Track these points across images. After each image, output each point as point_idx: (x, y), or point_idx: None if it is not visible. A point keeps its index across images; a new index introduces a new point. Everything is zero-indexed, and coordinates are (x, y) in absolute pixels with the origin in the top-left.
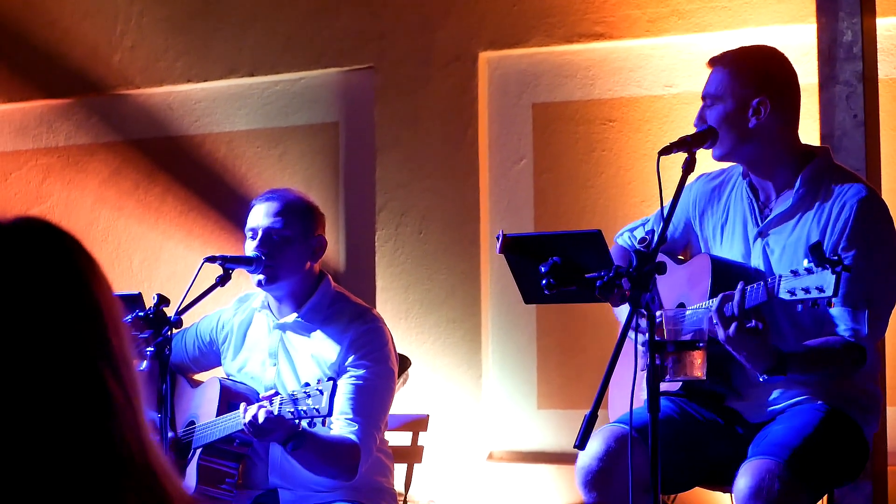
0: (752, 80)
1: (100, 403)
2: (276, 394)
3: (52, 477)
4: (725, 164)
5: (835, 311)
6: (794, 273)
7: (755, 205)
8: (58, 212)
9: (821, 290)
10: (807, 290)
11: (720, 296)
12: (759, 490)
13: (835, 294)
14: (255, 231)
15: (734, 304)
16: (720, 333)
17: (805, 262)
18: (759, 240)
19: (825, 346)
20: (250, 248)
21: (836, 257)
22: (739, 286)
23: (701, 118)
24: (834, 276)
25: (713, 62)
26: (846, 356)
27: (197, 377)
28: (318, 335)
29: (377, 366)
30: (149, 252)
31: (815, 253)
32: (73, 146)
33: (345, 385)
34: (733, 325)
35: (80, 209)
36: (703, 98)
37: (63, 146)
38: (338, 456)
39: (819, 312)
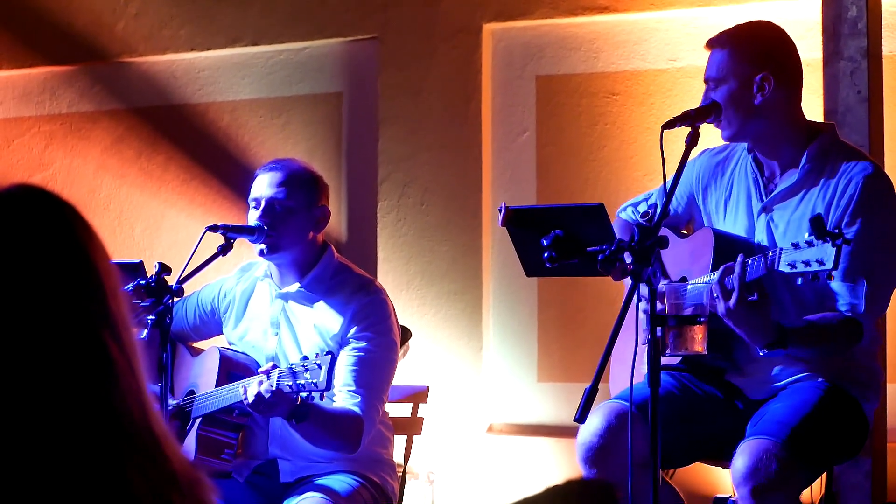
0: (752, 56)
1: (101, 368)
2: (275, 367)
3: (54, 441)
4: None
5: (835, 285)
6: (795, 246)
7: (760, 180)
8: (60, 179)
9: (821, 262)
10: (807, 263)
11: (721, 268)
12: (756, 470)
13: (835, 267)
14: (258, 201)
15: (734, 276)
16: (720, 306)
17: (806, 235)
18: (764, 215)
19: (824, 321)
20: (253, 217)
21: (836, 230)
22: (740, 258)
23: (708, 100)
24: (834, 249)
25: (711, 44)
26: (843, 331)
27: (197, 346)
28: (321, 305)
29: (380, 338)
30: (151, 221)
31: (816, 226)
32: (76, 113)
33: (347, 356)
34: (734, 298)
35: (82, 177)
36: (706, 81)
37: (66, 113)
38: (341, 428)
39: (819, 287)
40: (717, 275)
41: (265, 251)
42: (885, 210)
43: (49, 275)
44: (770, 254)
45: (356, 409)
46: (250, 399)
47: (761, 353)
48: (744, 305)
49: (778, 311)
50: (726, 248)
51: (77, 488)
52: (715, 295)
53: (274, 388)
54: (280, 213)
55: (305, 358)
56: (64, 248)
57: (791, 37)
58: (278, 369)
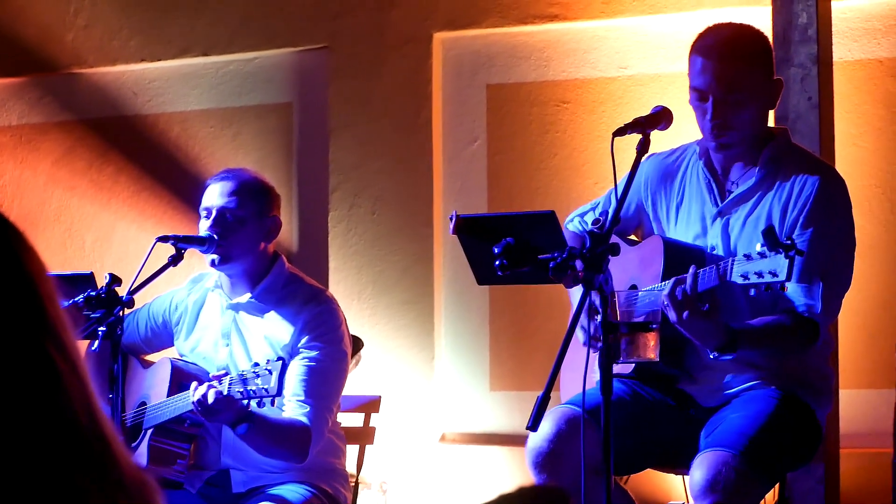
0: (767, 68)
1: (46, 378)
2: (226, 374)
3: (1, 450)
4: (675, 143)
5: (789, 286)
6: (748, 257)
7: (713, 185)
8: (10, 191)
9: (774, 274)
10: (760, 275)
11: (672, 280)
12: (715, 482)
13: (788, 279)
14: (209, 210)
15: (687, 287)
16: (672, 316)
17: (758, 246)
18: (719, 219)
19: (777, 322)
20: (204, 227)
21: (788, 241)
22: (691, 270)
23: (722, 117)
24: (787, 261)
25: (721, 56)
26: (798, 332)
27: (149, 358)
28: (272, 316)
29: (330, 347)
30: (101, 232)
31: (769, 237)
32: (26, 125)
33: (297, 366)
34: (686, 311)
35: (32, 189)
36: (718, 96)
37: (15, 125)
38: (288, 438)
39: (781, 293)
40: (668, 286)
41: (216, 262)
42: (840, 212)
43: None
44: (721, 264)
45: (304, 419)
46: (196, 398)
47: (712, 356)
48: (696, 316)
49: (733, 317)
50: (676, 256)
51: (25, 495)
52: (666, 303)
53: (225, 394)
54: (231, 222)
55: (256, 364)
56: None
57: None
58: (229, 376)
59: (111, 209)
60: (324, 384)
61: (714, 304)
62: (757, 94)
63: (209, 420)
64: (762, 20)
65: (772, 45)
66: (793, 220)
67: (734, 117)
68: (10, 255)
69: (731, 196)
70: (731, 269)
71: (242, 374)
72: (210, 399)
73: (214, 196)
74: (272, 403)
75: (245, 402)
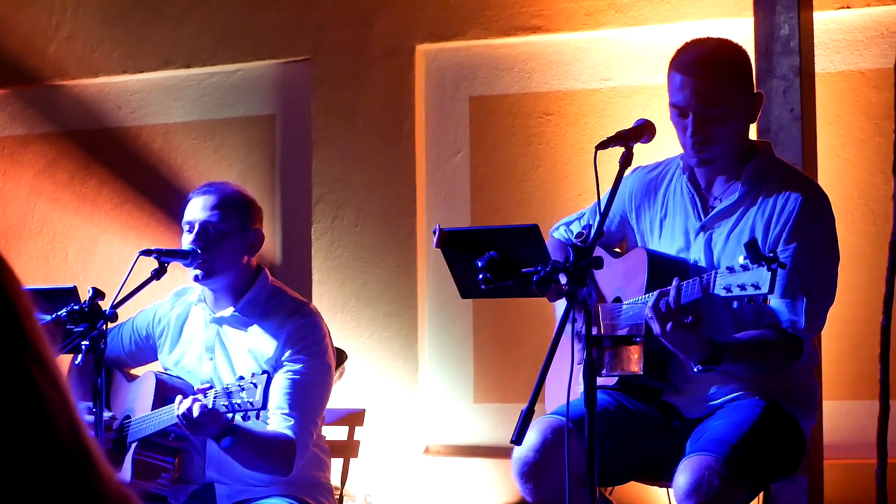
0: (749, 86)
1: (27, 394)
2: (211, 387)
3: None
4: (659, 157)
5: (774, 302)
6: (730, 269)
7: (697, 199)
8: None
9: (756, 286)
10: (742, 287)
11: (656, 293)
12: (698, 486)
13: (770, 291)
14: (191, 224)
15: (670, 300)
16: (655, 328)
17: (741, 259)
18: (702, 234)
19: (761, 337)
20: (187, 241)
21: (771, 254)
22: (675, 283)
23: (703, 133)
24: (769, 274)
25: (701, 72)
26: (782, 348)
27: (134, 371)
28: (255, 329)
29: (314, 360)
30: (84, 245)
31: (751, 250)
32: (8, 137)
33: (281, 379)
34: (669, 323)
35: (14, 201)
36: (697, 112)
37: None
38: (272, 451)
39: (763, 306)
40: (651, 299)
41: (200, 277)
42: (823, 227)
43: None
44: (704, 277)
45: (289, 433)
46: (181, 412)
47: (695, 370)
48: (679, 328)
49: (716, 330)
50: (660, 268)
51: None
52: (650, 315)
53: (210, 407)
54: (214, 236)
55: (241, 378)
56: None
57: None
58: (214, 389)
59: (94, 221)
60: (308, 397)
61: (697, 316)
62: (737, 108)
63: (194, 433)
64: (744, 32)
65: (752, 58)
66: (776, 235)
67: (714, 132)
68: None
69: (715, 211)
70: (715, 281)
71: (227, 388)
72: (195, 412)
73: (197, 210)
74: (257, 417)
75: (230, 415)
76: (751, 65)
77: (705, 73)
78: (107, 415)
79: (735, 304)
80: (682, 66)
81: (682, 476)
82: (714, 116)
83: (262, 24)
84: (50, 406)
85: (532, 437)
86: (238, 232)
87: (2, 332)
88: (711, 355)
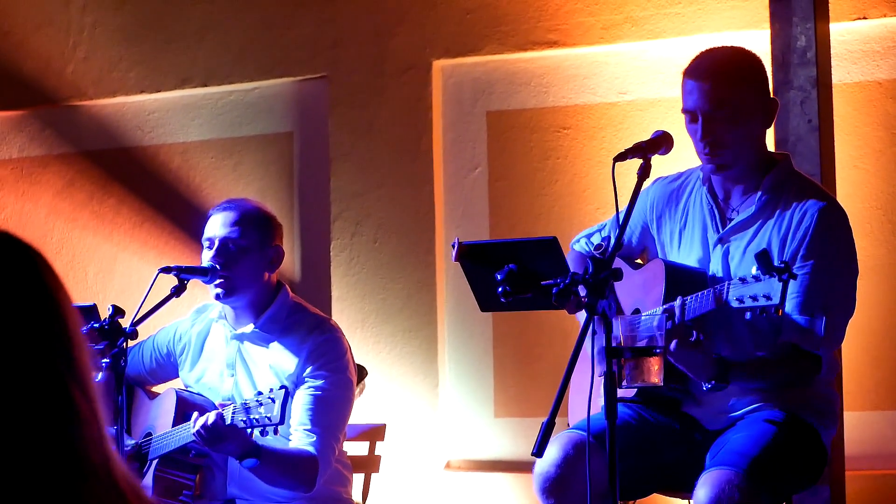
0: (757, 86)
1: (66, 415)
2: (230, 403)
3: (15, 487)
4: (677, 168)
5: (792, 318)
6: (743, 280)
7: (715, 211)
8: (11, 224)
9: (768, 297)
10: (755, 298)
11: (662, 313)
12: (718, 501)
13: (781, 302)
14: (211, 241)
15: (675, 319)
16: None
17: (753, 269)
18: (720, 246)
19: (774, 355)
20: (207, 257)
21: (782, 265)
22: (679, 301)
23: (711, 134)
24: (780, 284)
25: (707, 75)
26: (799, 365)
27: (155, 389)
28: (276, 346)
29: (335, 375)
30: (103, 264)
31: (762, 261)
32: (26, 158)
33: (303, 395)
34: (674, 341)
35: (33, 221)
36: (705, 114)
37: (16, 158)
38: (296, 469)
39: (776, 319)
40: (657, 320)
41: (221, 295)
42: (840, 243)
43: (16, 320)
44: (717, 288)
45: (311, 449)
46: (197, 427)
47: (704, 388)
48: (685, 347)
49: (733, 344)
50: (678, 279)
51: None
52: (660, 333)
53: (228, 423)
54: (234, 252)
55: (259, 393)
56: (32, 294)
57: None
58: (233, 405)
59: (113, 241)
60: (330, 413)
61: (704, 333)
62: (746, 111)
63: (213, 450)
64: (761, 44)
65: (767, 67)
66: (792, 251)
67: (724, 135)
68: (44, 291)
69: (732, 223)
70: (728, 292)
71: (245, 403)
72: (212, 428)
73: (217, 226)
74: (275, 432)
75: (248, 430)
76: (763, 70)
77: (712, 76)
78: (129, 442)
79: (748, 316)
80: (692, 71)
81: (703, 490)
82: (721, 118)
83: (278, 42)
84: (86, 430)
85: (553, 452)
86: (258, 248)
87: (50, 350)
88: (719, 373)
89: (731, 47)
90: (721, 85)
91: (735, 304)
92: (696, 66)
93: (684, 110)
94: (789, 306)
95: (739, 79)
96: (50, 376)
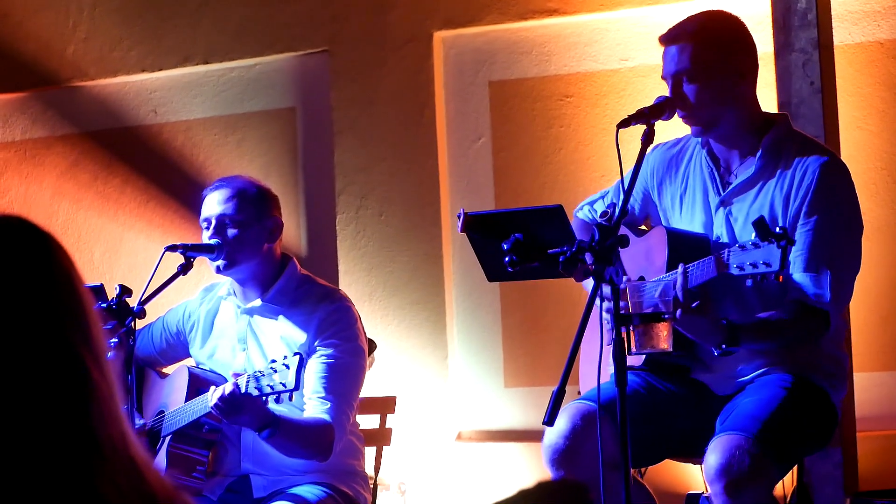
0: (722, 46)
1: (83, 390)
2: (243, 373)
3: (32, 461)
4: (681, 133)
5: (798, 276)
6: (742, 247)
7: (716, 174)
8: (16, 206)
9: (768, 264)
10: (754, 265)
11: (666, 282)
12: (729, 466)
13: (781, 269)
14: (208, 220)
15: (678, 287)
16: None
17: (752, 236)
18: (722, 209)
19: (782, 314)
20: (206, 238)
21: (781, 231)
22: (681, 268)
23: (680, 96)
24: (780, 251)
25: (673, 39)
26: (806, 323)
27: (166, 370)
28: (286, 317)
29: (347, 343)
30: (109, 244)
31: (760, 228)
32: (30, 140)
33: (316, 364)
34: (678, 310)
35: (38, 203)
36: (675, 75)
37: (19, 140)
38: (312, 437)
39: (776, 283)
40: (659, 289)
41: (222, 267)
42: (843, 198)
43: (33, 299)
44: (719, 255)
45: (326, 417)
46: (214, 400)
47: (716, 353)
48: (689, 313)
49: (742, 308)
50: (680, 246)
51: (48, 500)
52: (665, 301)
53: (243, 392)
54: (231, 227)
55: (273, 361)
56: (47, 274)
57: None
58: (247, 374)
59: (118, 220)
60: (343, 380)
61: (707, 299)
62: (707, 69)
63: (230, 421)
64: (762, 7)
65: (768, 30)
66: (796, 209)
67: (691, 95)
68: (59, 272)
69: (732, 185)
70: (729, 259)
71: (259, 372)
72: (229, 398)
73: (212, 205)
74: (290, 398)
75: (263, 398)
76: (733, 30)
77: (673, 40)
78: (138, 422)
79: (749, 283)
80: (661, 38)
81: (713, 456)
82: (686, 79)
83: (278, 17)
84: (103, 406)
85: (561, 423)
86: (255, 221)
87: (67, 328)
88: (728, 337)
89: (704, 12)
90: (681, 48)
91: (735, 271)
92: (664, 34)
93: (662, 78)
94: (794, 265)
95: (699, 39)
96: (67, 352)
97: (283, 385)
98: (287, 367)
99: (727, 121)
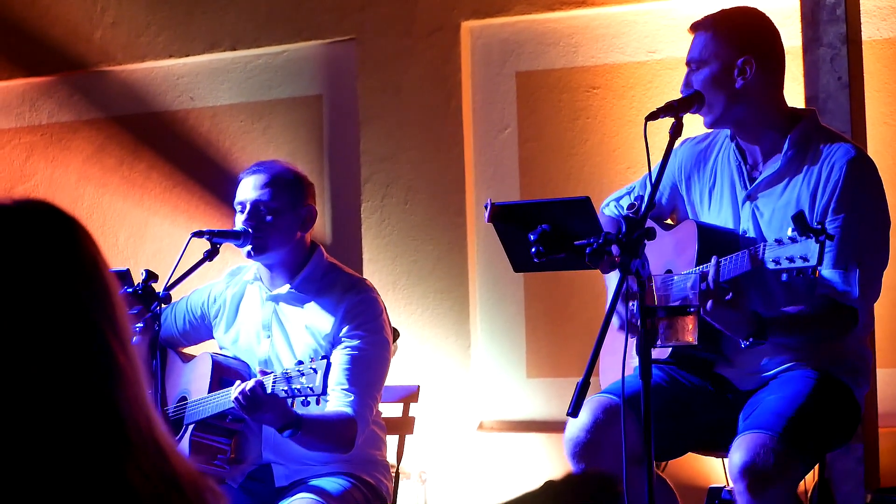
0: (735, 40)
1: (110, 374)
2: (271, 372)
3: (58, 445)
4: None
5: (827, 272)
6: (779, 242)
7: (743, 168)
8: (42, 190)
9: (805, 259)
10: (791, 260)
11: (697, 273)
12: (753, 464)
13: (819, 263)
14: (243, 204)
15: (710, 280)
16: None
17: (789, 231)
18: (748, 203)
19: (812, 309)
20: (240, 221)
21: (819, 226)
22: (713, 261)
23: (687, 84)
24: (818, 246)
25: (695, 27)
26: (834, 319)
27: (187, 351)
28: (312, 306)
29: (372, 335)
30: (134, 228)
31: (799, 222)
32: (56, 124)
33: (340, 356)
34: (710, 301)
35: (64, 187)
36: (688, 64)
37: (46, 124)
38: (335, 433)
39: (812, 278)
40: (691, 280)
41: (252, 252)
42: (871, 193)
43: (60, 285)
44: (753, 249)
45: (348, 410)
46: (235, 395)
47: (743, 346)
48: (721, 306)
49: (768, 303)
50: (710, 240)
51: (80, 492)
52: (694, 293)
53: (269, 392)
54: (266, 214)
55: (300, 363)
56: (73, 260)
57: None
58: (273, 374)
59: (144, 205)
60: (367, 372)
61: (738, 292)
62: (716, 58)
63: (252, 417)
64: (791, 1)
65: (796, 25)
66: (823, 204)
67: (696, 84)
68: (85, 257)
69: (759, 180)
70: (763, 254)
71: (287, 373)
72: (251, 395)
73: (248, 189)
74: (317, 402)
75: (290, 400)
76: (754, 27)
77: (694, 28)
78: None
79: (784, 277)
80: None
81: (737, 454)
82: (693, 66)
83: (306, 5)
84: (129, 391)
85: (583, 416)
86: (290, 209)
87: (94, 312)
88: (757, 330)
89: (733, 7)
90: (696, 37)
91: (771, 265)
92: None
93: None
94: (823, 261)
95: (713, 32)
96: (93, 337)
97: (311, 389)
98: (315, 370)
99: (740, 116)
